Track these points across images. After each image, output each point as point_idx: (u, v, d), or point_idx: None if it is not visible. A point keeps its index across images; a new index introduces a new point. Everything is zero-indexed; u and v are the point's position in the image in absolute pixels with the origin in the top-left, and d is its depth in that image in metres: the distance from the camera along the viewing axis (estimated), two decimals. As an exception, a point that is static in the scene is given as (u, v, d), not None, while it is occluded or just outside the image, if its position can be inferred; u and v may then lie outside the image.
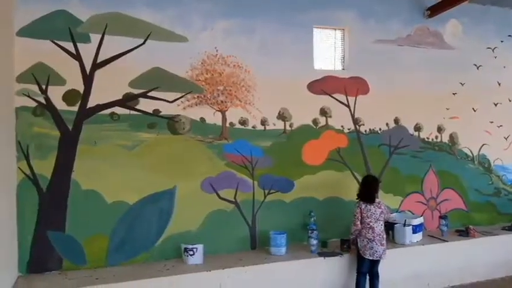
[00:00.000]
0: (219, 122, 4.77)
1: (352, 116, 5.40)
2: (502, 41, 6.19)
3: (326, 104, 5.25)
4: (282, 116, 5.06)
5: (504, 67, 6.18)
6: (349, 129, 5.39)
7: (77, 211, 4.18)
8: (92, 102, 4.28)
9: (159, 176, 4.47)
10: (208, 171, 4.68)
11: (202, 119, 4.69)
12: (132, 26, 4.41)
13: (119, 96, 4.38)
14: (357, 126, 5.42)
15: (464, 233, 5.47)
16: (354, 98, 5.39)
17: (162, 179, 4.49)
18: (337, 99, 5.31)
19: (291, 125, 5.10)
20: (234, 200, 4.80)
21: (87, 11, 4.25)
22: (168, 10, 4.56)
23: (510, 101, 6.23)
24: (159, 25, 4.51)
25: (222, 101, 4.77)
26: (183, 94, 4.60)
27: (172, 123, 4.57)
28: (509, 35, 6.24)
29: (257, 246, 4.87)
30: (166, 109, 4.53)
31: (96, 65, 4.30)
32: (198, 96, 4.67)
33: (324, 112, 5.25)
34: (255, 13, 4.89)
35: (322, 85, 5.23)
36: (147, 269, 4.17)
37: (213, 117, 4.74)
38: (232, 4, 4.81)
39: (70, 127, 4.21)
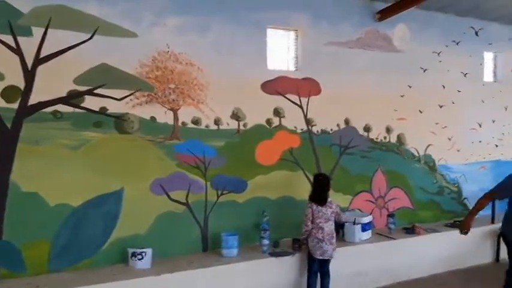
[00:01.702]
0: (171, 121, 4.64)
1: (305, 116, 5.45)
2: (446, 46, 6.46)
3: (279, 104, 5.27)
4: (236, 116, 5.02)
5: (448, 71, 6.47)
6: (301, 129, 5.43)
7: (16, 215, 3.91)
8: (33, 100, 4.02)
9: (106, 178, 4.29)
10: (158, 172, 4.55)
11: (153, 118, 4.55)
12: (78, 19, 4.19)
13: (62, 93, 4.15)
14: (309, 127, 5.48)
15: (410, 230, 5.69)
16: (307, 98, 5.44)
17: (109, 180, 4.31)
18: (290, 100, 5.34)
19: (244, 125, 5.07)
20: (185, 202, 4.70)
21: (29, 2, 3.98)
22: (117, 4, 4.37)
23: (453, 103, 6.53)
24: (108, 20, 4.31)
25: (173, 100, 4.65)
26: (132, 92, 4.43)
27: (120, 122, 4.39)
28: (453, 41, 6.53)
29: (209, 248, 4.81)
30: (113, 107, 4.35)
31: (38, 60, 4.05)
32: (148, 94, 4.53)
33: (277, 112, 5.26)
34: (209, 11, 4.80)
35: (276, 85, 5.23)
36: (93, 274, 4.00)
37: (164, 116, 4.61)
38: (185, 0, 4.69)
39: (9, 125, 3.93)
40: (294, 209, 5.16)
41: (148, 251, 4.19)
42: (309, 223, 4.46)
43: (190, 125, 4.75)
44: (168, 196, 4.61)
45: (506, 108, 7.09)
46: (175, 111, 4.67)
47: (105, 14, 4.31)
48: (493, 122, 6.96)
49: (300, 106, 5.41)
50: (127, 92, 4.42)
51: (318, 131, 5.53)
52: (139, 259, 4.15)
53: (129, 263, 4.21)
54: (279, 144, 5.28)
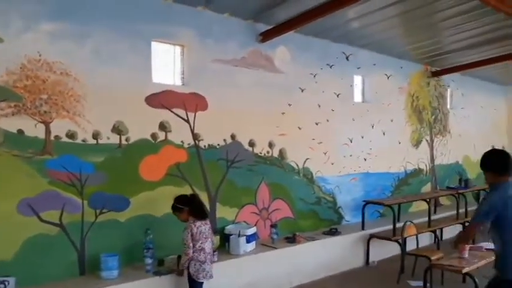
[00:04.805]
0: (42, 135, 4.26)
1: (192, 131, 5.44)
2: (321, 68, 7.02)
3: (165, 118, 5.18)
4: (117, 129, 4.80)
5: (323, 91, 7.02)
6: (189, 144, 5.41)
7: None
8: None
9: (-40, 198, 3.76)
10: (26, 191, 4.12)
11: (20, 131, 4.13)
12: None
13: None
14: (197, 142, 5.49)
15: (291, 239, 5.98)
16: (194, 113, 5.45)
17: (-36, 201, 3.78)
18: (176, 114, 5.29)
19: (127, 139, 4.87)
20: (59, 223, 4.33)
21: None
22: (-23, 5, 3.93)
23: (328, 121, 7.10)
24: (-34, 20, 3.86)
25: (45, 111, 4.28)
26: (-4, 102, 3.99)
27: (-20, 136, 3.91)
28: (327, 64, 7.12)
29: (86, 271, 4.47)
30: (-28, 119, 3.87)
31: None
32: (15, 105, 4.10)
33: (163, 126, 5.17)
34: (87, 18, 4.54)
35: (162, 99, 5.15)
36: None
37: (34, 130, 4.21)
38: (61, 6, 4.38)
39: None
40: (181, 225, 5.05)
41: (11, 280, 3.75)
42: (191, 251, 4.19)
43: (65, 139, 4.41)
44: (39, 217, 4.20)
45: (373, 126, 7.95)
46: (47, 124, 4.29)
47: (-37, 14, 3.84)
48: (362, 138, 7.74)
49: (187, 121, 5.40)
50: (-11, 102, 3.96)
51: (205, 146, 5.56)
52: (1, 289, 3.69)
53: (-11, 295, 3.72)
54: (165, 159, 5.19)
